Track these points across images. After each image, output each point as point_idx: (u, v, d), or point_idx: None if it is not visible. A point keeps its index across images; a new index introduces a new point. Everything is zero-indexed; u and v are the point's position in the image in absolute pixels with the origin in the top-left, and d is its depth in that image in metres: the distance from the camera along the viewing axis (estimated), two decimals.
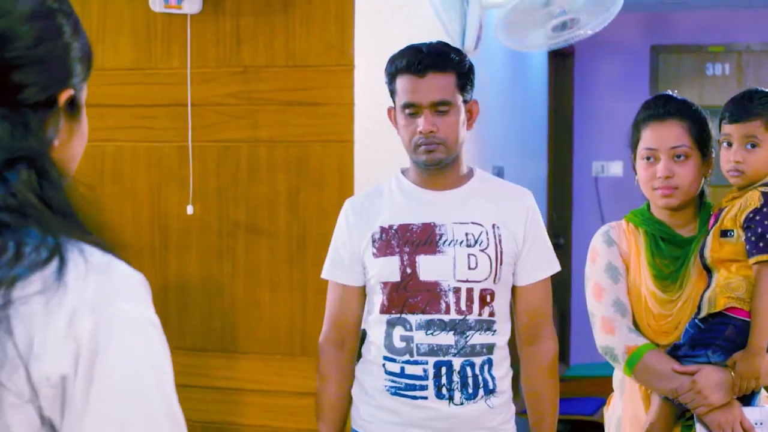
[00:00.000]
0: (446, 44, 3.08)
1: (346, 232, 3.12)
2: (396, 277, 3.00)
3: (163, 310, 4.17)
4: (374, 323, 3.09)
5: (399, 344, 3.01)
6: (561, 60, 8.57)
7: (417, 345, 2.98)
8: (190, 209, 4.13)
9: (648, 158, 3.08)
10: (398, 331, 3.01)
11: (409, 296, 3.00)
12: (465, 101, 3.05)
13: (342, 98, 4.00)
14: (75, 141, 1.38)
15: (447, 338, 2.97)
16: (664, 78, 8.75)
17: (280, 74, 4.08)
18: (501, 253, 3.02)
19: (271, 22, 4.08)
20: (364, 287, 3.14)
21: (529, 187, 3.26)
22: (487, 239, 3.01)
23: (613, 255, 3.14)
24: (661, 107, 3.09)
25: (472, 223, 3.03)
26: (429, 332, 2.97)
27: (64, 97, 1.33)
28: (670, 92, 3.20)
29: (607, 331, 3.08)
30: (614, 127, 8.87)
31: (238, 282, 4.15)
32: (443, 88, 2.98)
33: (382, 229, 3.05)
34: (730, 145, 3.00)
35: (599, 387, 5.64)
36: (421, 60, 2.98)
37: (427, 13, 4.99)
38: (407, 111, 3.01)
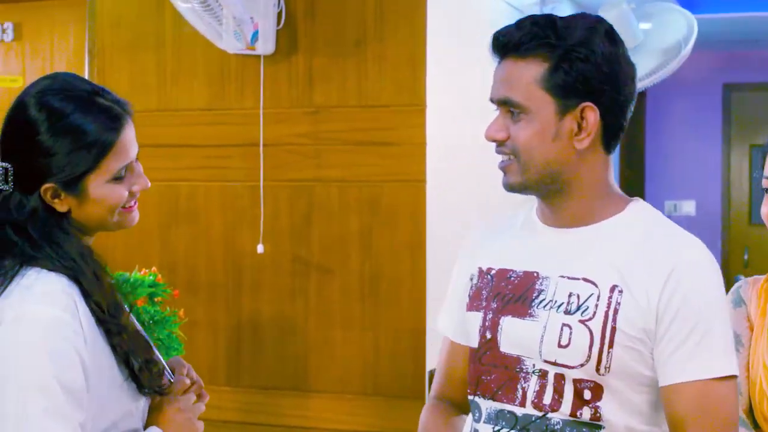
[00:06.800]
0: (565, 18, 2.01)
1: (456, 272, 2.24)
2: (474, 342, 2.08)
3: (236, 348, 4.19)
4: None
5: None
6: None
7: None
8: (260, 248, 4.15)
9: (765, 190, 2.20)
10: (470, 420, 2.11)
11: (483, 372, 2.06)
12: (566, 106, 1.95)
13: (414, 138, 4.01)
14: (87, 207, 1.94)
15: None
16: (736, 116, 8.68)
17: (352, 114, 4.10)
18: (613, 330, 1.92)
19: (344, 62, 4.11)
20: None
21: None
22: (596, 307, 1.94)
23: (738, 319, 2.27)
24: None
25: (584, 279, 1.98)
26: (497, 428, 2.01)
27: (44, 188, 1.93)
28: None
29: None
30: (686, 165, 8.87)
31: (310, 321, 4.16)
32: (514, 81, 1.97)
33: (480, 272, 2.12)
34: None
35: None
36: (502, 36, 1.99)
37: None
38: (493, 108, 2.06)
